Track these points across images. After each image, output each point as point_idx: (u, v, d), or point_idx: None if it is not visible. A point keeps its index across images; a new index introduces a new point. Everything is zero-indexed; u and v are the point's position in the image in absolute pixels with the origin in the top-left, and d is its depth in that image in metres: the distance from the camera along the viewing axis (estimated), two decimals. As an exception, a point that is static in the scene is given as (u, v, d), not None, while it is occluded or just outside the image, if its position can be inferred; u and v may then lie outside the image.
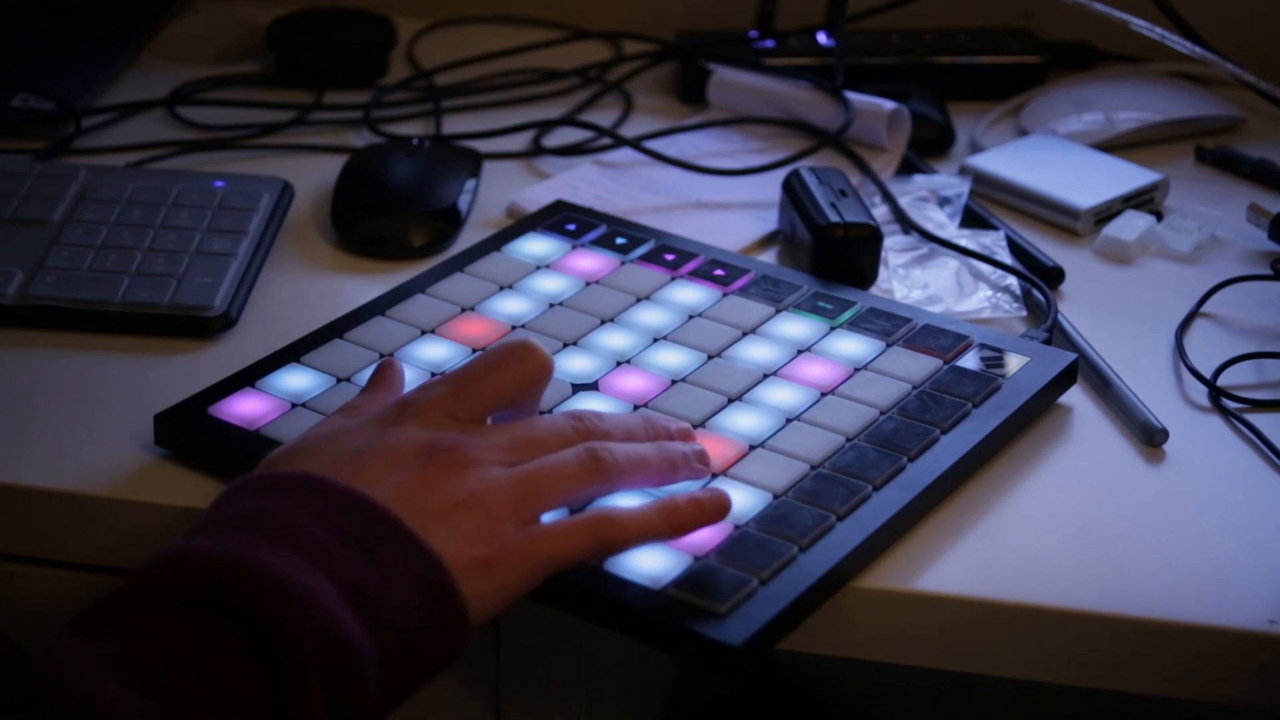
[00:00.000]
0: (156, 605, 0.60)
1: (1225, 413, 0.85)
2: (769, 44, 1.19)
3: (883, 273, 0.95)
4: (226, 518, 0.64)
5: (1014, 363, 0.84)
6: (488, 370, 0.72)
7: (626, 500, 0.72)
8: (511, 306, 0.87)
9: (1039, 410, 0.83)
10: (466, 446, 0.68)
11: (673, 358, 0.83)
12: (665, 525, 0.70)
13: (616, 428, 0.72)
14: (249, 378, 0.82)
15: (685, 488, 0.73)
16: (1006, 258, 0.97)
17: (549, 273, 0.91)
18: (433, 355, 0.84)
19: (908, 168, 1.08)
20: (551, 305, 0.88)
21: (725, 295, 0.88)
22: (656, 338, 0.85)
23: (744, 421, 0.79)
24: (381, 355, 0.83)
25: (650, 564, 0.70)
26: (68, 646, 0.59)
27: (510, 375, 0.72)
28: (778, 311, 0.87)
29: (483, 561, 0.65)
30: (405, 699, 0.63)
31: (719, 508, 0.71)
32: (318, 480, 0.65)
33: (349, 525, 0.64)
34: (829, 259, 0.92)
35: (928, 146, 1.11)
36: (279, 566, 0.61)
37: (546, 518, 0.69)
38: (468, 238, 0.99)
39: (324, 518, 0.64)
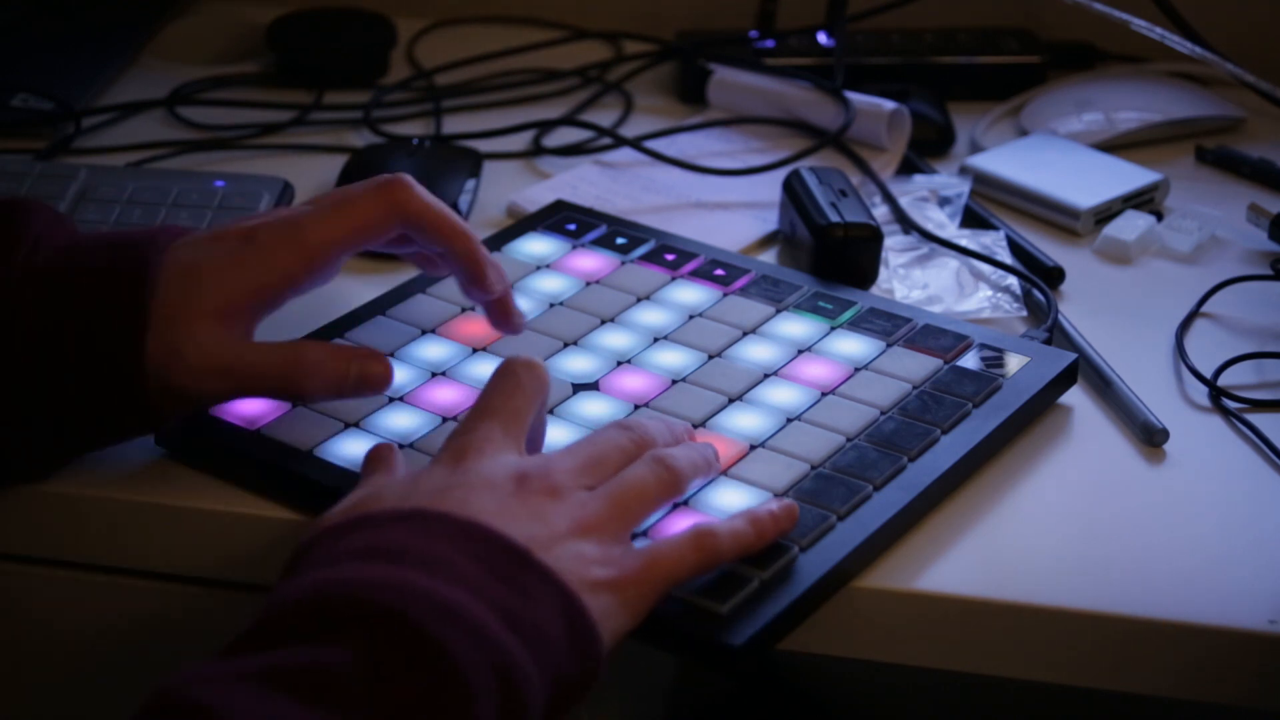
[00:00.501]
0: (310, 623, 0.58)
1: (1225, 413, 0.85)
2: (769, 44, 1.19)
3: (883, 273, 0.95)
4: (351, 550, 0.62)
5: (1014, 363, 0.84)
6: (511, 395, 0.71)
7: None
8: (512, 306, 0.87)
9: (1039, 410, 0.83)
10: (551, 473, 0.68)
11: (673, 358, 0.83)
12: (754, 536, 0.70)
13: (659, 433, 0.73)
14: (249, 378, 0.82)
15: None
16: (1006, 258, 0.97)
17: (549, 272, 0.91)
18: (433, 355, 0.84)
19: (908, 168, 1.08)
20: (552, 305, 0.88)
21: (725, 295, 0.88)
22: (657, 338, 0.85)
23: (744, 421, 0.79)
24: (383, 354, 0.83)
25: (650, 564, 0.70)
26: (212, 664, 0.57)
27: (533, 395, 0.72)
28: (778, 311, 0.87)
29: (606, 584, 0.66)
30: None
31: (792, 518, 0.72)
32: (435, 514, 0.64)
33: (484, 555, 0.63)
34: (829, 259, 0.92)
35: (928, 146, 1.11)
36: (441, 593, 0.60)
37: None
38: (468, 238, 0.99)
39: (458, 548, 0.63)
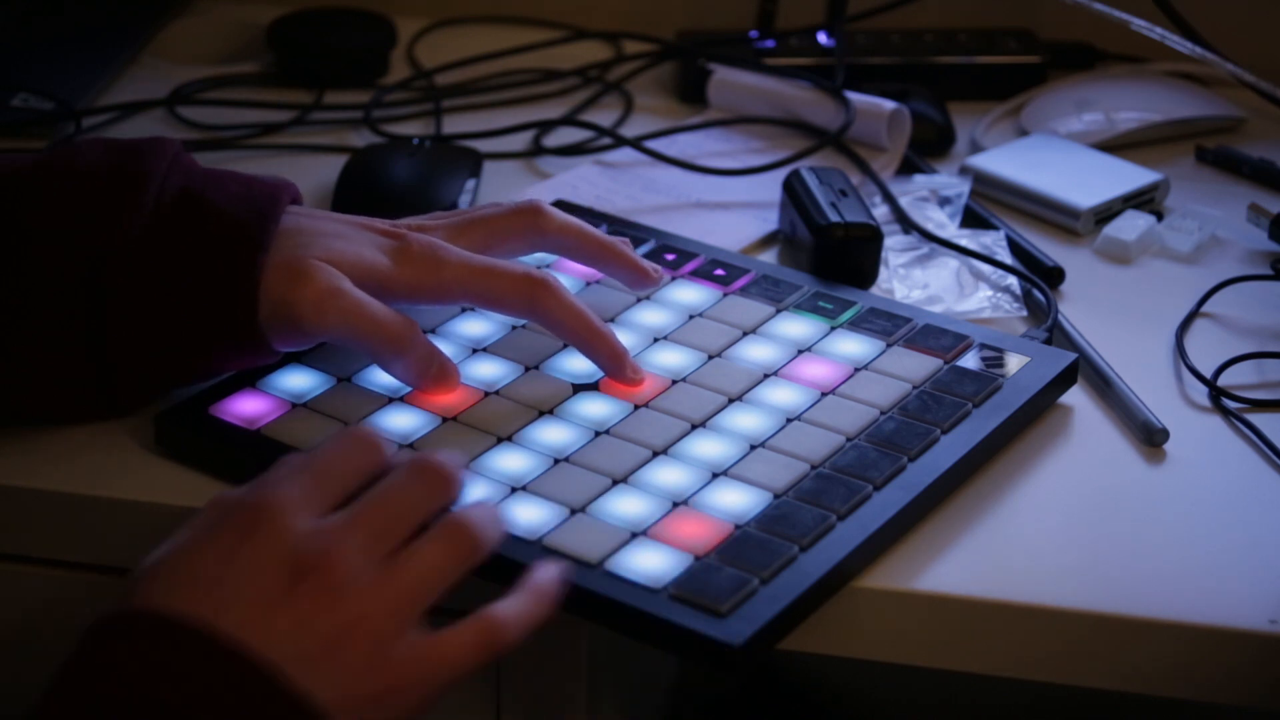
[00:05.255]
0: None
1: (1225, 413, 0.85)
2: (769, 44, 1.19)
3: (883, 273, 0.95)
4: (108, 690, 0.60)
5: (1014, 363, 0.84)
6: (344, 458, 0.67)
7: None
8: (512, 306, 0.87)
9: (1039, 410, 0.83)
10: (329, 556, 0.63)
11: (673, 357, 0.83)
12: (540, 608, 0.66)
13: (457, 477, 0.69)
14: (250, 377, 0.82)
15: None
16: (1007, 258, 0.97)
17: (551, 273, 0.91)
18: (433, 355, 0.84)
19: (908, 168, 1.08)
20: (552, 305, 0.88)
21: (725, 295, 0.88)
22: (657, 337, 0.85)
23: (744, 421, 0.79)
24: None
25: (650, 564, 0.70)
26: None
27: (359, 460, 0.68)
28: (778, 311, 0.87)
29: (373, 696, 0.62)
30: None
31: (565, 581, 0.68)
32: (194, 633, 0.60)
33: (238, 686, 0.60)
34: (829, 259, 0.92)
35: (928, 146, 1.11)
36: None
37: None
38: (468, 238, 0.99)
39: (211, 682, 0.60)
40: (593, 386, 0.81)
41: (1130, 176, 1.05)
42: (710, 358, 0.84)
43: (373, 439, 0.68)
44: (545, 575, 0.67)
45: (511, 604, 0.66)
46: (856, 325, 0.86)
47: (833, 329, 0.86)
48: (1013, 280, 0.95)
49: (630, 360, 0.81)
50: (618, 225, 0.95)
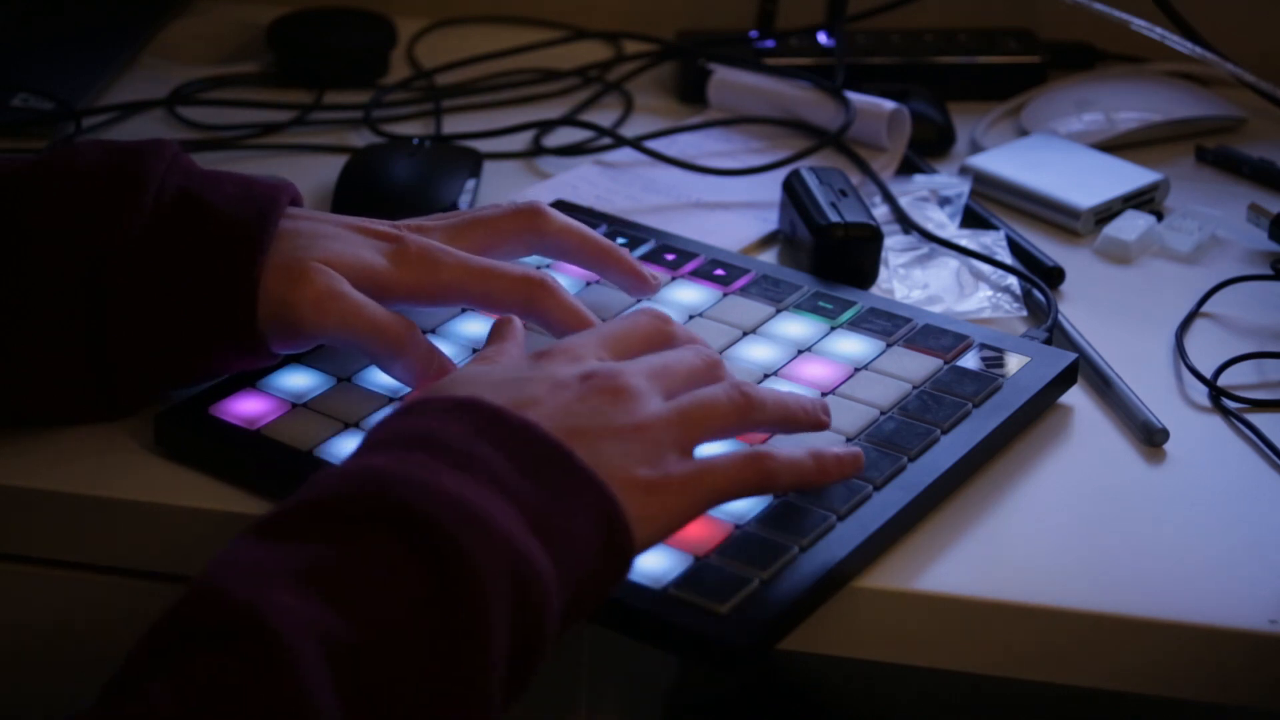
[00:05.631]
0: (341, 519, 0.61)
1: (1225, 413, 0.85)
2: (769, 44, 1.19)
3: (883, 273, 0.95)
4: (400, 437, 0.65)
5: (1014, 363, 0.84)
6: (627, 327, 0.74)
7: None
8: (512, 306, 0.87)
9: (1039, 410, 0.83)
10: (622, 374, 0.69)
11: (673, 358, 0.83)
12: (815, 470, 0.72)
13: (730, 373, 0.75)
14: (249, 377, 0.82)
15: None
16: (1007, 258, 0.97)
17: (550, 273, 0.91)
18: (433, 355, 0.84)
19: (908, 168, 1.08)
20: (552, 305, 0.88)
21: (725, 295, 0.89)
22: (657, 338, 0.85)
23: (744, 421, 0.79)
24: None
25: (650, 564, 0.70)
26: (246, 552, 0.60)
27: (647, 336, 0.75)
28: (778, 311, 0.87)
29: (648, 485, 0.67)
30: (575, 624, 0.65)
31: (858, 463, 0.74)
32: (488, 407, 0.66)
33: (525, 453, 0.65)
34: (829, 259, 0.92)
35: (928, 146, 1.11)
36: (467, 493, 0.61)
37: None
38: (468, 238, 0.99)
39: (499, 446, 0.64)
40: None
41: (1130, 176, 1.05)
42: (710, 358, 0.84)
43: (663, 316, 0.75)
44: (834, 447, 0.73)
45: (789, 453, 0.71)
46: (856, 325, 0.86)
47: (833, 329, 0.86)
48: (1013, 280, 0.95)
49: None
50: (617, 225, 0.95)
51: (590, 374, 0.69)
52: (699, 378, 0.72)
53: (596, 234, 0.85)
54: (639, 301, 0.88)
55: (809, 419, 0.75)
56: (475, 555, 0.60)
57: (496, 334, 0.77)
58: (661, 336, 0.75)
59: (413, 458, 0.63)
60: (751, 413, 0.72)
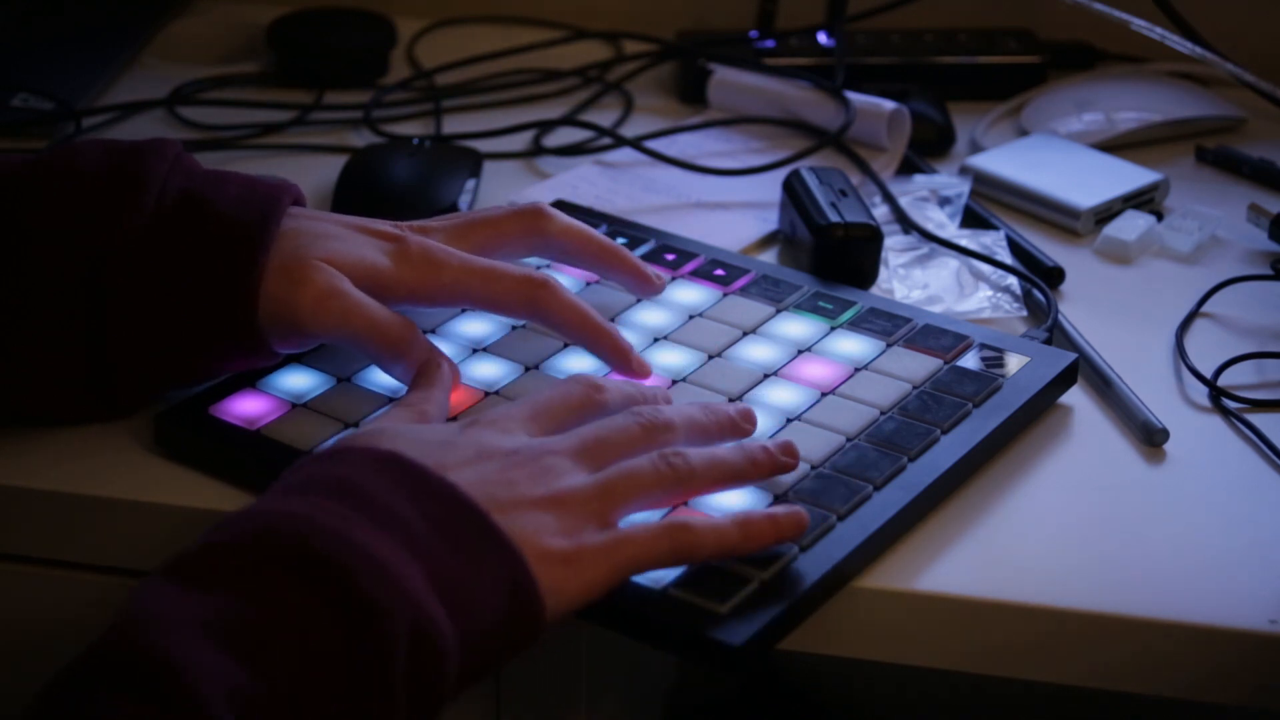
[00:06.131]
0: (256, 566, 0.61)
1: (1225, 413, 0.85)
2: (769, 44, 1.19)
3: (883, 273, 0.95)
4: (319, 482, 0.65)
5: (1014, 363, 0.84)
6: (560, 400, 0.74)
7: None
8: (512, 306, 0.87)
9: (1039, 410, 0.83)
10: (546, 453, 0.70)
11: (673, 357, 0.83)
12: (740, 538, 0.70)
13: (680, 420, 0.73)
14: (249, 377, 0.82)
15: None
16: (1007, 258, 0.97)
17: (549, 273, 0.91)
18: (433, 355, 0.84)
19: (908, 168, 1.08)
20: (552, 305, 0.88)
21: (725, 295, 0.88)
22: (657, 337, 0.85)
23: (744, 421, 0.79)
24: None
25: (650, 564, 0.70)
26: (163, 598, 0.60)
27: (581, 410, 0.74)
28: (778, 311, 0.87)
29: (562, 556, 0.66)
30: (475, 685, 0.65)
31: (796, 526, 0.71)
32: (411, 464, 0.66)
33: (439, 514, 0.65)
34: (829, 259, 0.92)
35: (928, 146, 1.11)
36: (379, 552, 0.62)
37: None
38: (468, 238, 0.99)
39: (416, 504, 0.65)
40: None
41: (1130, 176, 1.05)
42: (710, 358, 0.84)
43: (595, 383, 0.75)
44: (759, 512, 0.71)
45: (712, 520, 0.70)
46: (856, 325, 0.86)
47: (833, 329, 0.86)
48: (1013, 280, 0.95)
49: (635, 354, 0.82)
50: (617, 225, 0.95)
51: (515, 449, 0.69)
52: (636, 443, 0.71)
53: (599, 234, 0.85)
54: (638, 301, 0.87)
55: (761, 470, 0.73)
56: (381, 610, 0.61)
57: (423, 379, 0.77)
58: (592, 406, 0.74)
59: (330, 506, 0.64)
60: (680, 484, 0.71)
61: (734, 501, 0.74)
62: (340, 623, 0.60)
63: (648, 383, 0.81)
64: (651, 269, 0.86)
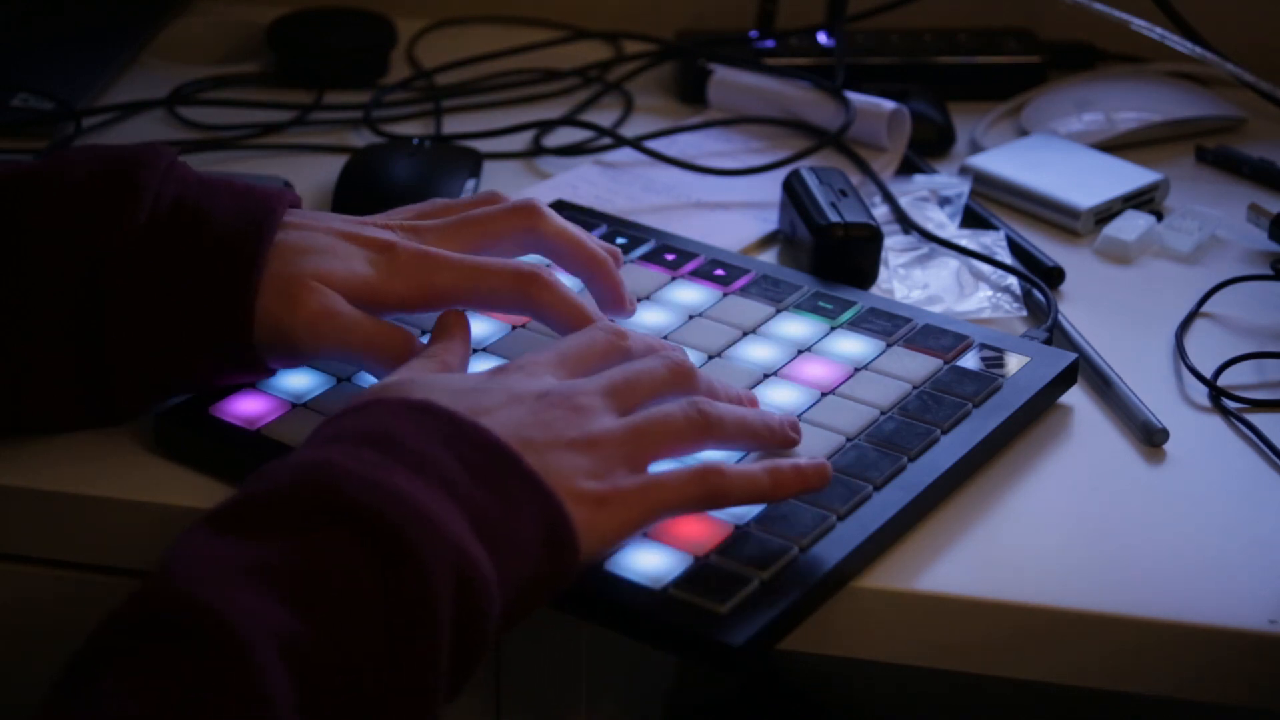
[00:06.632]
0: (296, 514, 0.62)
1: (1225, 413, 0.85)
2: (769, 44, 1.19)
3: (883, 273, 0.95)
4: (354, 433, 0.66)
5: (1014, 363, 0.84)
6: (582, 346, 0.74)
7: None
8: (512, 306, 0.87)
9: (1039, 410, 0.83)
10: (578, 393, 0.70)
11: (673, 358, 0.83)
12: (769, 486, 0.71)
13: (704, 382, 0.75)
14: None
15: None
16: (1007, 258, 0.97)
17: (540, 265, 0.91)
18: (433, 355, 0.84)
19: (908, 168, 1.08)
20: (552, 305, 0.88)
21: (725, 295, 0.89)
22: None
23: (744, 421, 0.79)
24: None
25: (650, 564, 0.70)
26: (203, 546, 0.60)
27: (603, 354, 0.74)
28: (778, 311, 0.87)
29: (596, 497, 0.67)
30: (514, 627, 0.66)
31: (821, 476, 0.72)
32: (444, 411, 0.67)
33: (475, 458, 0.65)
34: (829, 259, 0.92)
35: (928, 146, 1.11)
36: (418, 494, 0.62)
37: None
38: (468, 238, 0.99)
39: (451, 448, 0.65)
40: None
41: (1130, 176, 1.05)
42: (710, 358, 0.84)
43: (619, 330, 0.75)
44: (786, 461, 0.72)
45: (742, 467, 0.71)
46: (856, 325, 0.86)
47: (833, 329, 0.86)
48: (1013, 280, 0.95)
49: (627, 291, 0.83)
50: (617, 225, 0.95)
51: (546, 391, 0.70)
52: (662, 386, 0.73)
53: (591, 240, 0.84)
54: (637, 300, 0.87)
55: (775, 437, 0.75)
56: (423, 554, 0.61)
57: (443, 329, 0.78)
58: (617, 352, 0.75)
59: (366, 454, 0.64)
60: (709, 431, 0.72)
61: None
62: (384, 569, 0.60)
63: None
64: (629, 294, 0.84)
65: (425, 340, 0.80)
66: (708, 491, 0.70)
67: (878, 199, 1.02)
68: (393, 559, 0.61)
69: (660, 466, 0.71)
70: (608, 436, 0.69)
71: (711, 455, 0.74)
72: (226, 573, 0.59)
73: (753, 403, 0.78)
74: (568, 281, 0.84)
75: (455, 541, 0.62)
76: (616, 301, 0.84)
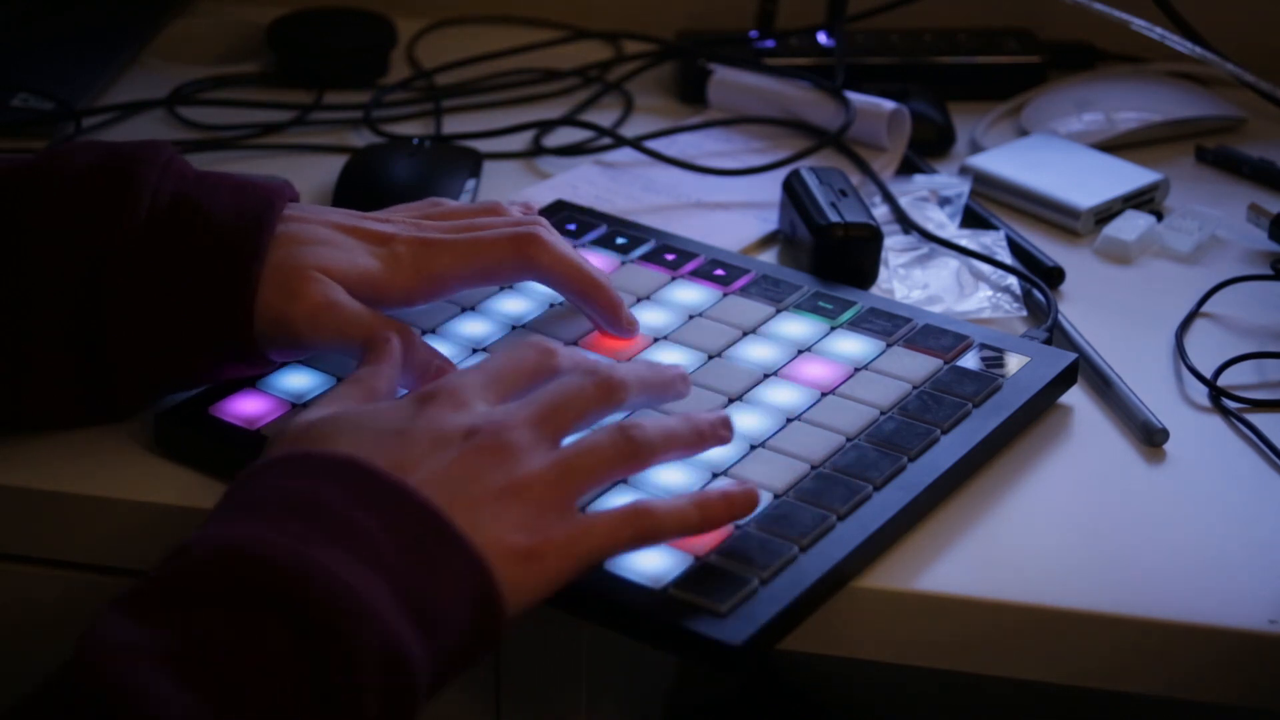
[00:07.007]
0: (212, 598, 0.60)
1: (1225, 413, 0.85)
2: (769, 44, 1.19)
3: (883, 273, 0.95)
4: (275, 498, 0.64)
5: (1014, 363, 0.84)
6: (514, 363, 0.73)
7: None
8: (512, 306, 0.87)
9: (1039, 410, 0.83)
10: (505, 429, 0.68)
11: (673, 358, 0.83)
12: (698, 518, 0.70)
13: (632, 378, 0.73)
14: (249, 377, 0.82)
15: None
16: (1007, 258, 0.97)
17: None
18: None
19: (908, 168, 1.08)
20: (552, 305, 0.88)
21: (725, 295, 0.89)
22: (657, 338, 0.85)
23: (744, 421, 0.79)
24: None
25: (650, 564, 0.70)
26: (117, 631, 0.59)
27: (533, 372, 0.73)
28: (778, 311, 0.87)
29: (525, 552, 0.66)
30: (440, 692, 0.64)
31: (749, 502, 0.71)
32: (366, 469, 0.65)
33: (402, 523, 0.64)
34: (829, 259, 0.92)
35: (928, 146, 1.11)
36: (339, 574, 0.61)
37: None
38: (468, 238, 0.99)
39: (375, 513, 0.64)
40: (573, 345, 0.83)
41: (1130, 176, 1.05)
42: (710, 358, 0.84)
43: (547, 347, 0.73)
44: (714, 491, 0.71)
45: (670, 503, 0.70)
46: (856, 325, 0.86)
47: (833, 329, 0.86)
48: (1013, 280, 0.95)
49: (626, 310, 0.82)
50: (617, 225, 0.95)
51: (473, 430, 0.68)
52: (591, 404, 0.71)
53: (588, 266, 0.83)
54: (637, 300, 0.87)
55: (705, 441, 0.73)
56: (351, 639, 0.60)
57: (372, 354, 0.76)
58: (546, 370, 0.73)
59: (292, 527, 0.62)
60: (638, 455, 0.70)
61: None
62: (307, 649, 0.59)
63: (635, 343, 0.83)
64: (629, 315, 0.84)
65: (426, 339, 0.80)
66: (638, 533, 0.68)
67: (878, 199, 1.02)
68: (320, 644, 0.59)
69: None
70: (537, 479, 0.67)
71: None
72: (143, 657, 0.58)
73: (685, 381, 0.76)
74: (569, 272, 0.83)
75: (383, 622, 0.61)
76: (616, 322, 0.83)
